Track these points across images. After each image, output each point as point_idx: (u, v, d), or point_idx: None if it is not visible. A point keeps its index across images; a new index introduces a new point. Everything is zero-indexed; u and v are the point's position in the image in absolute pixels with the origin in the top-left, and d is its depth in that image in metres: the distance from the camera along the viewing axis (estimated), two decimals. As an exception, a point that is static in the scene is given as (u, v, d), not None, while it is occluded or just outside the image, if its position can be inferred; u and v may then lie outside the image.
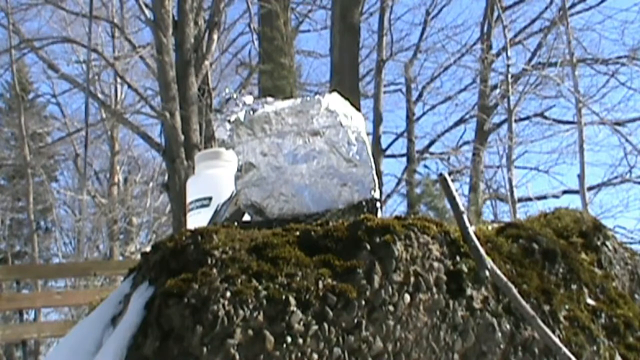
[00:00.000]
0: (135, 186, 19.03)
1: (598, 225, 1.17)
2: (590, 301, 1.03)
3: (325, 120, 1.02)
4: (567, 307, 0.99)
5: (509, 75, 11.19)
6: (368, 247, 0.87)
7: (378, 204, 1.04)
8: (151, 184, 18.05)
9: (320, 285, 0.82)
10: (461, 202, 0.98)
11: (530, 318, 0.91)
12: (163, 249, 0.88)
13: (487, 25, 14.20)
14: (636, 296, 1.12)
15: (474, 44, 15.23)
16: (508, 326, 0.92)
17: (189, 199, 1.35)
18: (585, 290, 1.04)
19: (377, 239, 0.88)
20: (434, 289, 0.89)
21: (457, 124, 16.04)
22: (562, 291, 1.01)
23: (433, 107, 16.29)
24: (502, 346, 0.91)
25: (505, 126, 13.42)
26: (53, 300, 6.60)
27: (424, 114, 16.42)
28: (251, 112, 1.02)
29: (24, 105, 16.78)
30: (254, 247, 0.86)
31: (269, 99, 1.08)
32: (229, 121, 1.02)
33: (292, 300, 0.80)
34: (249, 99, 1.04)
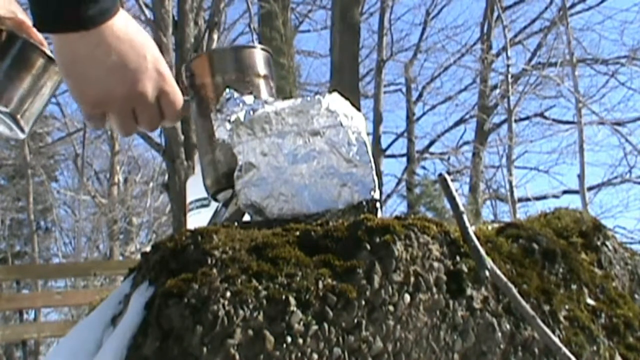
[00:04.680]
0: (135, 186, 19.04)
1: (598, 225, 1.17)
2: (590, 301, 1.03)
3: (325, 120, 1.02)
4: (567, 307, 0.99)
5: (509, 75, 11.21)
6: (368, 247, 0.87)
7: (378, 204, 1.04)
8: (151, 184, 18.06)
9: (320, 285, 0.82)
10: (461, 202, 0.98)
11: (530, 318, 0.91)
12: (163, 249, 0.88)
13: (487, 25, 14.20)
14: (636, 296, 1.12)
15: (474, 44, 15.25)
16: (508, 326, 0.92)
17: (189, 199, 1.35)
18: (585, 290, 1.04)
19: (377, 239, 0.88)
20: (434, 289, 0.89)
21: (457, 124, 16.07)
22: (562, 291, 1.01)
23: (433, 107, 16.32)
24: (502, 346, 0.91)
25: (505, 126, 13.45)
26: (53, 300, 6.61)
27: (424, 114, 16.45)
28: (251, 112, 1.01)
29: (24, 105, 16.68)
30: (254, 247, 0.86)
31: (269, 99, 1.08)
32: (229, 121, 1.02)
33: (292, 300, 0.80)
34: (249, 99, 1.04)
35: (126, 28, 0.89)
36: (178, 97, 0.97)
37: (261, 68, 1.10)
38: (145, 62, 0.91)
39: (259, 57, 1.10)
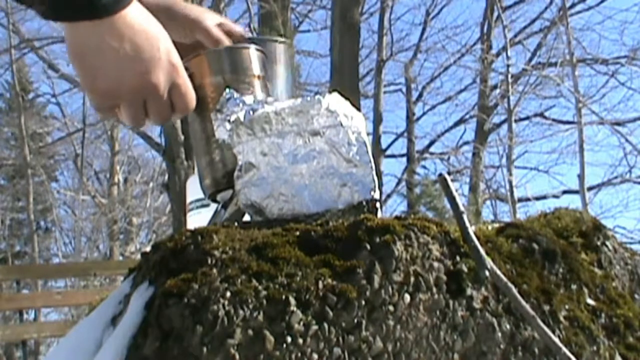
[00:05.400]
0: (135, 186, 19.04)
1: (598, 225, 1.17)
2: (590, 301, 1.03)
3: (325, 120, 1.03)
4: (567, 307, 0.99)
5: (509, 75, 11.21)
6: (368, 247, 0.87)
7: (378, 204, 1.04)
8: (151, 184, 18.06)
9: (320, 285, 0.82)
10: (461, 202, 0.98)
11: (530, 318, 0.91)
12: (163, 249, 0.88)
13: (487, 25, 14.21)
14: (636, 296, 1.12)
15: (474, 44, 15.27)
16: (508, 326, 0.92)
17: (189, 199, 1.35)
18: (585, 290, 1.04)
19: (377, 239, 0.88)
20: (434, 289, 0.89)
21: (457, 124, 16.09)
22: (562, 291, 1.01)
23: (433, 107, 16.34)
24: (502, 346, 0.91)
25: (505, 126, 13.47)
26: (53, 300, 6.62)
27: (424, 114, 16.47)
28: (251, 112, 1.01)
29: (24, 105, 16.78)
30: (254, 247, 0.86)
31: (269, 99, 1.08)
32: (229, 121, 1.02)
33: (292, 300, 0.80)
34: (249, 99, 1.04)
35: (140, 18, 0.88)
36: (190, 89, 0.96)
37: (257, 68, 1.10)
38: (159, 53, 0.90)
39: (254, 57, 1.11)
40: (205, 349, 0.75)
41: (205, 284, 0.79)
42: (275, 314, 0.79)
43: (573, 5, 13.18)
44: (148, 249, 0.93)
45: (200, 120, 1.07)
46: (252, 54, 1.11)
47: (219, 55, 1.11)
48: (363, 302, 0.83)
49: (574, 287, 1.03)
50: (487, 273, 0.92)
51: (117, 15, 0.84)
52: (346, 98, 1.08)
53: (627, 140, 11.47)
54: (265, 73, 1.12)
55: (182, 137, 9.77)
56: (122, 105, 0.92)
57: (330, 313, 0.81)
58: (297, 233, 0.89)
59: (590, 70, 13.33)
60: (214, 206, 1.14)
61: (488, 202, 14.86)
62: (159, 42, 0.90)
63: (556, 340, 0.91)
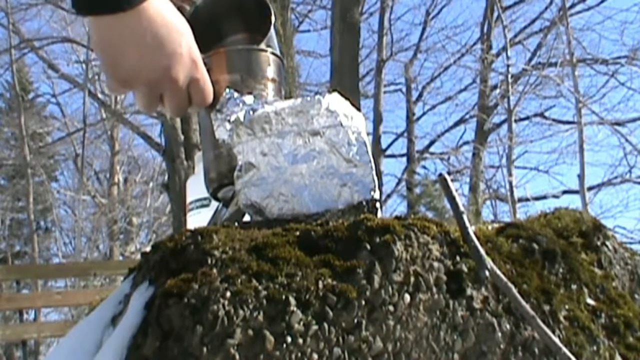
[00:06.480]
0: (135, 186, 19.05)
1: (598, 225, 1.17)
2: (590, 301, 1.03)
3: (325, 120, 1.03)
4: (567, 307, 0.99)
5: (509, 75, 11.21)
6: (368, 247, 0.87)
7: (378, 204, 1.04)
8: (151, 184, 18.07)
9: (320, 285, 0.82)
10: (461, 202, 0.98)
11: (530, 318, 0.91)
12: (163, 249, 0.88)
13: (487, 25, 14.22)
14: (636, 296, 1.12)
15: (474, 44, 15.28)
16: (508, 326, 0.92)
17: (189, 199, 1.35)
18: (585, 290, 1.04)
19: (377, 239, 0.88)
20: (434, 289, 0.89)
21: (457, 124, 16.10)
22: (562, 291, 1.01)
23: (433, 107, 16.36)
24: (502, 346, 0.91)
25: (505, 126, 13.47)
26: (53, 300, 6.61)
27: (424, 114, 16.49)
28: (251, 112, 1.01)
29: (24, 105, 16.77)
30: (254, 247, 0.86)
31: (269, 98, 1.08)
32: (229, 121, 1.02)
33: (292, 300, 0.80)
34: (249, 99, 1.04)
35: (163, 12, 0.87)
36: (208, 85, 0.97)
37: (272, 72, 1.11)
38: (180, 49, 0.90)
39: (272, 61, 1.12)
40: (205, 349, 0.75)
41: (205, 284, 0.79)
42: (275, 314, 0.79)
43: (573, 5, 13.19)
44: (148, 249, 0.93)
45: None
46: (270, 57, 1.12)
47: (238, 54, 1.12)
48: (363, 302, 0.83)
49: (574, 287, 1.03)
50: (487, 273, 0.92)
51: (139, 8, 0.84)
52: (346, 98, 1.08)
53: (627, 140, 11.47)
54: (280, 78, 1.13)
55: (182, 137, 9.77)
56: (137, 92, 0.92)
57: (330, 313, 0.81)
58: (297, 233, 0.89)
59: (590, 70, 13.33)
60: (214, 206, 1.14)
61: (488, 202, 14.87)
62: (182, 37, 0.90)
63: (556, 340, 0.91)
